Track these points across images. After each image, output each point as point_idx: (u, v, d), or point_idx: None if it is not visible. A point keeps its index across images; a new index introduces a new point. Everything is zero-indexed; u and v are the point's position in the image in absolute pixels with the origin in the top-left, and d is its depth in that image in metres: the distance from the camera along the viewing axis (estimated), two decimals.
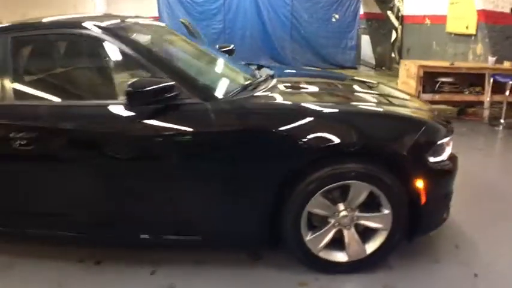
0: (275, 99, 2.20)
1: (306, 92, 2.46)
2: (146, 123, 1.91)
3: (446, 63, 5.32)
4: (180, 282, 2.07)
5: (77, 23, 2.19)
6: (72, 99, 2.21)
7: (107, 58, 2.13)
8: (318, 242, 2.10)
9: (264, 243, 2.12)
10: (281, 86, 2.35)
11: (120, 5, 8.93)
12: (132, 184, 2.00)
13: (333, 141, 1.93)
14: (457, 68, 5.07)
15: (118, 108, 1.95)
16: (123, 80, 2.02)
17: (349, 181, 1.99)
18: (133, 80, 1.82)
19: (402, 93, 2.80)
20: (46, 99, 2.17)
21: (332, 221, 2.09)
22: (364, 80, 3.07)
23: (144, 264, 2.20)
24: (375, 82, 2.88)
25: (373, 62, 10.49)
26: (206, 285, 2.07)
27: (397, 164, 2.01)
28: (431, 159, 2.08)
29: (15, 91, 2.09)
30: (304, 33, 9.42)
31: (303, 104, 2.14)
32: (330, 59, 9.81)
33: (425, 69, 5.00)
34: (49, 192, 2.08)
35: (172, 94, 1.84)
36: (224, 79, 2.36)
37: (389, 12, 9.47)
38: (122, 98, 1.90)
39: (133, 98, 1.80)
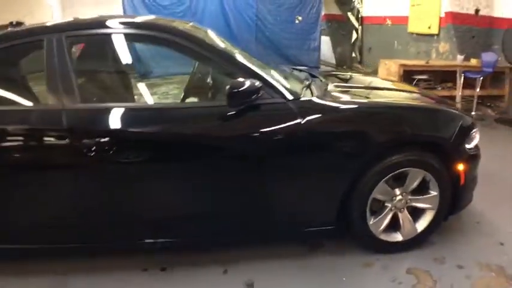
0: (344, 99, 2.48)
1: (354, 91, 2.78)
2: (246, 122, 2.09)
3: (422, 62, 5.96)
4: (255, 278, 2.23)
5: (151, 25, 2.29)
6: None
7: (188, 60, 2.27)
8: (379, 225, 2.43)
9: (333, 231, 2.39)
10: (331, 86, 2.65)
11: (78, 9, 8.73)
12: (232, 182, 2.17)
13: (397, 134, 2.27)
14: (431, 66, 5.70)
15: (217, 109, 2.10)
16: (208, 82, 2.19)
17: (408, 168, 2.34)
18: (232, 81, 1.98)
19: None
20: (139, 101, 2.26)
21: (389, 205, 2.42)
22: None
23: (213, 265, 2.33)
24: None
25: (334, 61, 11.16)
26: (281, 279, 2.26)
27: (443, 151, 2.39)
28: (467, 146, 2.50)
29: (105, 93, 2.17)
30: (269, 35, 9.79)
31: (370, 102, 2.46)
32: (294, 60, 10.26)
33: (405, 68, 5.57)
34: (147, 197, 2.13)
35: (261, 94, 2.03)
36: (290, 80, 2.57)
37: (349, 14, 10.17)
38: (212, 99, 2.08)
39: (233, 98, 1.97)
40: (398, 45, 8.68)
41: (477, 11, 6.09)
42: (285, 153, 2.14)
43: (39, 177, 2.01)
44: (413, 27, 8.04)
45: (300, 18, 9.93)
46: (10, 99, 2.16)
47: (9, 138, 1.99)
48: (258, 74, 2.12)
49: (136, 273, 2.26)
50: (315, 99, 2.25)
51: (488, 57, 5.74)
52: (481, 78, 5.42)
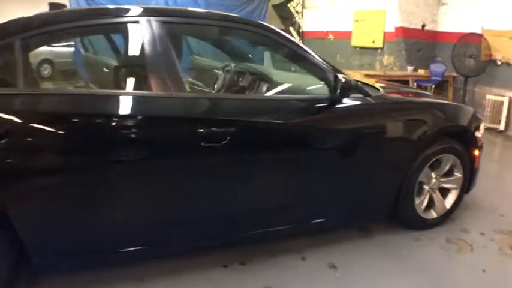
0: (398, 96, 2.99)
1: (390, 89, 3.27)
2: (347, 113, 2.48)
3: (380, 72, 6.85)
4: (334, 260, 2.57)
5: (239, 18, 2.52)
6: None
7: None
8: (421, 205, 2.97)
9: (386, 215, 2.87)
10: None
11: (8, 6, 8.32)
12: (327, 169, 2.51)
13: (440, 126, 2.85)
14: (389, 75, 6.61)
15: (325, 101, 2.42)
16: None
17: (444, 154, 2.93)
18: (345, 76, 2.33)
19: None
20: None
21: (427, 187, 2.98)
22: None
23: (290, 253, 2.61)
24: None
25: None
26: (357, 258, 2.64)
27: (465, 139, 3.04)
28: (478, 135, 3.19)
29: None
30: None
31: (419, 100, 3.00)
32: None
33: (368, 77, 6.37)
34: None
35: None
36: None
37: (291, 28, 11.02)
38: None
39: (345, 90, 2.31)
40: (341, 58, 9.68)
41: (423, 26, 7.20)
42: (371, 140, 2.57)
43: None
44: (357, 41, 9.07)
45: None
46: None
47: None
48: (341, 72, 2.50)
49: (218, 270, 2.40)
50: (385, 94, 2.73)
51: (437, 67, 6.84)
52: (432, 86, 6.43)
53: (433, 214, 3.03)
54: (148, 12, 2.11)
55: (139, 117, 1.96)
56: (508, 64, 6.32)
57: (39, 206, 1.85)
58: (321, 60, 2.45)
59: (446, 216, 3.11)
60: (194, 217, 2.19)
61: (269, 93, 2.74)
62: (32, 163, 1.78)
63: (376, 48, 8.39)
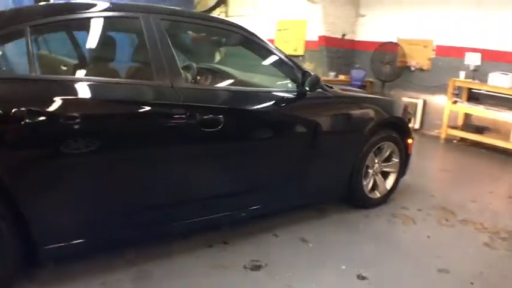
0: (348, 92, 3.44)
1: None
2: (314, 105, 2.89)
3: None
4: (304, 235, 2.95)
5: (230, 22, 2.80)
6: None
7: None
8: (367, 186, 3.49)
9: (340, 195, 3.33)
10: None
11: None
12: (303, 151, 2.88)
13: (383, 117, 3.39)
14: None
15: (297, 94, 2.79)
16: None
17: (385, 142, 3.48)
18: (312, 73, 2.75)
19: None
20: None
21: (371, 171, 3.51)
22: None
23: (264, 232, 2.94)
24: None
25: None
26: (323, 232, 3.02)
27: (401, 129, 3.63)
28: (410, 125, 3.82)
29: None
30: None
31: (361, 95, 3.50)
32: None
33: None
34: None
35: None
36: None
37: None
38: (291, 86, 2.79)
39: (314, 86, 2.73)
40: None
41: (343, 35, 8.02)
42: (332, 127, 3.01)
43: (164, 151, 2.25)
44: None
45: None
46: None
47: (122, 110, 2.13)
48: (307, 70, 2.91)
49: (204, 250, 2.61)
50: (338, 90, 3.19)
51: (357, 73, 7.67)
52: None
53: (377, 194, 3.56)
54: (148, 9, 2.35)
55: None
56: (421, 70, 7.35)
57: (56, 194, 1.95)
58: (290, 59, 2.83)
59: (387, 196, 3.66)
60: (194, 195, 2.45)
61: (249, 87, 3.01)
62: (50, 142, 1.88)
63: (298, 56, 9.07)
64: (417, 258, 2.78)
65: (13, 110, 1.73)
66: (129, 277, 2.24)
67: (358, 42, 8.19)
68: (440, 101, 7.04)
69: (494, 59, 6.28)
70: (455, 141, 6.65)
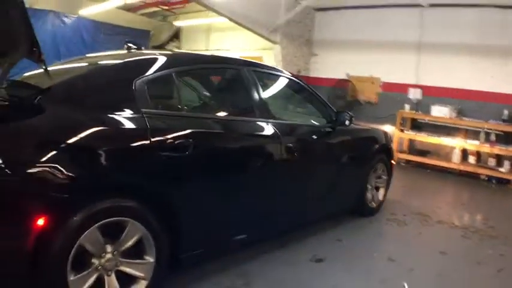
0: (358, 126, 4.39)
1: None
2: (340, 136, 3.82)
3: None
4: (340, 237, 3.83)
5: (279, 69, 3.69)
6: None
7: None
8: (368, 199, 4.55)
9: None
10: None
11: None
12: (332, 175, 3.79)
13: (380, 143, 4.48)
14: None
15: (328, 128, 3.72)
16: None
17: (379, 163, 4.60)
18: (341, 111, 3.73)
19: None
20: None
21: (370, 187, 4.59)
22: None
23: (311, 236, 3.87)
24: None
25: None
26: (351, 234, 3.93)
27: (388, 153, 4.78)
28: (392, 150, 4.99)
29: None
30: None
31: (365, 127, 4.57)
32: None
33: None
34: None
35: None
36: None
37: None
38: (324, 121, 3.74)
39: (347, 121, 3.70)
40: None
41: (298, 72, 9.27)
42: (352, 153, 4.01)
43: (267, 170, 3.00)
44: None
45: None
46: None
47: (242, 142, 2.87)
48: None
49: (280, 251, 3.35)
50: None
51: None
52: None
53: (374, 205, 4.62)
54: (245, 63, 3.20)
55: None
56: (369, 103, 8.77)
57: (207, 202, 2.59)
58: (326, 101, 3.84)
59: (380, 206, 4.74)
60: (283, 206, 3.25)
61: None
62: (202, 167, 2.57)
63: None
64: (420, 246, 3.86)
65: (176, 142, 2.35)
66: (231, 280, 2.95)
67: (312, 78, 9.50)
68: (387, 130, 8.47)
69: (433, 94, 7.86)
70: (403, 163, 8.04)
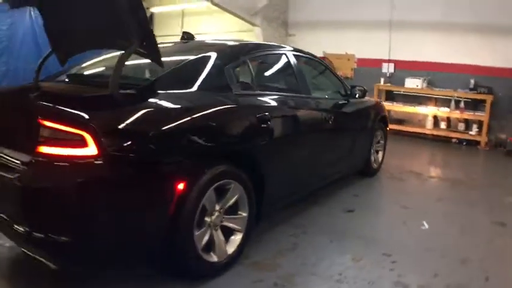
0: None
1: None
2: (353, 107, 4.49)
3: None
4: (356, 192, 4.55)
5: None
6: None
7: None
8: (373, 160, 5.35)
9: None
10: None
11: None
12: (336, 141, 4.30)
13: (380, 112, 5.27)
14: None
15: (344, 100, 4.39)
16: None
17: (379, 130, 5.39)
18: (354, 85, 4.42)
19: None
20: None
21: (372, 150, 5.38)
22: None
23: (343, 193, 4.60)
24: None
25: None
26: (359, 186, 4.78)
27: (384, 121, 5.58)
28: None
29: None
30: None
31: (370, 98, 5.28)
32: None
33: None
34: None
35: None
36: None
37: None
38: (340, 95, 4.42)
39: (354, 95, 4.41)
40: None
41: None
42: (363, 120, 4.74)
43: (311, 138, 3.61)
44: None
45: None
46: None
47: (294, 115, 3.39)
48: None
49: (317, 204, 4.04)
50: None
51: None
52: None
53: (375, 165, 5.41)
54: (288, 48, 3.83)
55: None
56: (346, 78, 9.58)
57: (284, 162, 3.21)
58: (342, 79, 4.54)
59: (380, 167, 5.54)
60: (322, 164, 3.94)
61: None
62: (277, 136, 3.12)
63: None
64: (422, 195, 4.69)
65: (261, 116, 2.93)
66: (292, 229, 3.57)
67: None
68: None
69: (404, 67, 8.76)
70: None
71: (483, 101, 7.68)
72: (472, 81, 7.89)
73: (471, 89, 7.86)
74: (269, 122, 2.97)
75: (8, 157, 2.22)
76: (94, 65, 3.35)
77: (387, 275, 2.79)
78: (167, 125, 2.28)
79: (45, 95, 2.42)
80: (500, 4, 7.57)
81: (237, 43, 3.44)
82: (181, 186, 2.27)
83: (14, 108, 2.54)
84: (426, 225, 3.73)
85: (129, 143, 2.07)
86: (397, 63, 8.90)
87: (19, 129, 2.36)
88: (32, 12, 9.42)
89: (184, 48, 3.47)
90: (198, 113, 2.52)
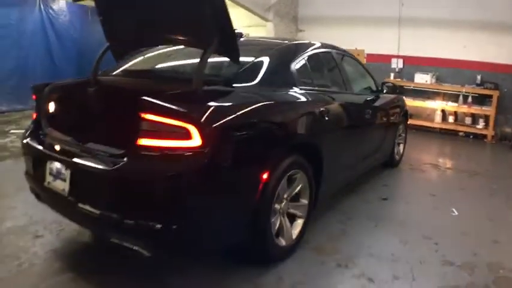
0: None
1: None
2: (382, 102, 4.81)
3: None
4: (386, 182, 4.94)
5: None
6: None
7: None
8: (396, 152, 5.73)
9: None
10: None
11: None
12: (372, 134, 4.64)
13: (405, 107, 5.65)
14: None
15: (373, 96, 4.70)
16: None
17: (402, 123, 5.77)
18: (384, 81, 4.77)
19: None
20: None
21: (396, 142, 5.76)
22: None
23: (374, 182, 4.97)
24: None
25: None
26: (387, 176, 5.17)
27: (406, 115, 5.97)
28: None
29: None
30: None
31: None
32: None
33: None
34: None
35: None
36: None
37: None
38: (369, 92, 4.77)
39: (393, 90, 4.79)
40: None
41: None
42: (390, 114, 5.06)
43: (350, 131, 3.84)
44: None
45: None
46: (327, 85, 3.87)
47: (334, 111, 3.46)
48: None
49: (355, 192, 4.46)
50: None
51: None
52: None
53: (397, 157, 5.79)
54: (332, 47, 4.12)
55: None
56: None
57: (336, 153, 3.52)
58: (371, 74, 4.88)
59: (401, 159, 5.92)
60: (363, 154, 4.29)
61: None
62: (333, 128, 3.45)
63: None
64: (445, 183, 5.13)
65: (321, 110, 3.24)
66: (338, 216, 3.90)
67: None
68: None
69: (413, 63, 9.15)
70: None
71: (489, 96, 8.08)
72: (479, 77, 8.30)
73: (478, 85, 8.27)
74: (328, 116, 3.28)
75: (98, 151, 2.31)
76: (148, 61, 3.54)
77: (433, 255, 3.15)
78: (257, 118, 2.52)
79: (136, 91, 2.35)
80: (507, 1, 7.97)
81: (295, 42, 3.70)
82: (265, 175, 2.49)
83: (95, 104, 2.77)
84: (456, 212, 4.10)
85: (228, 135, 2.24)
86: (406, 59, 9.27)
87: (107, 124, 2.54)
88: (42, 6, 9.54)
89: (246, 47, 3.71)
90: (280, 107, 2.81)
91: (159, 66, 3.48)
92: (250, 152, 2.44)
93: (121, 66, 3.38)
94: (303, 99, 3.12)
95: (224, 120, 2.22)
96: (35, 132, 2.84)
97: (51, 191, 2.51)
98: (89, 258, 2.84)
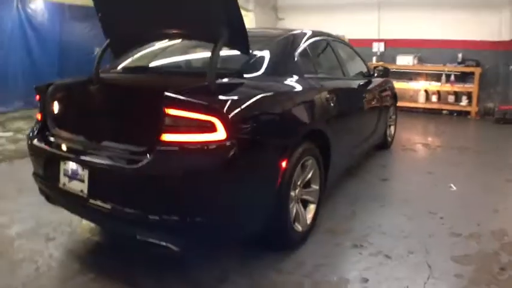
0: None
1: None
2: (375, 85, 4.89)
3: None
4: (383, 163, 5.14)
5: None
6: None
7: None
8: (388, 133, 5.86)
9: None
10: None
11: None
12: (368, 118, 4.73)
13: (394, 89, 5.77)
14: None
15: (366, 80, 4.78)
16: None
17: (392, 106, 5.91)
18: (378, 66, 4.86)
19: None
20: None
21: (388, 123, 5.90)
22: None
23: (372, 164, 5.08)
24: None
25: None
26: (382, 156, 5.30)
27: (395, 97, 6.10)
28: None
29: None
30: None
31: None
32: None
33: None
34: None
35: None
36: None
37: None
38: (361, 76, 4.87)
39: (386, 74, 4.88)
40: None
41: None
42: (383, 96, 5.15)
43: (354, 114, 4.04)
44: None
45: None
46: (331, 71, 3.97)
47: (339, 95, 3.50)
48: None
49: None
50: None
51: None
52: None
53: (389, 139, 5.91)
54: (328, 35, 4.18)
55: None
56: None
57: (341, 138, 3.57)
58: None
59: (393, 140, 6.05)
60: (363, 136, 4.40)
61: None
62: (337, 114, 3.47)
63: None
64: (439, 161, 5.27)
65: (328, 96, 3.30)
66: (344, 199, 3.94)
67: None
68: None
69: (394, 45, 9.31)
70: None
71: (471, 74, 8.31)
72: (460, 55, 8.51)
73: (459, 63, 8.48)
74: (333, 102, 3.35)
75: (116, 149, 2.32)
76: (151, 56, 3.54)
77: (441, 228, 3.26)
78: (276, 108, 2.58)
79: (153, 87, 2.40)
80: None
81: (297, 31, 3.73)
82: (284, 163, 2.53)
83: (107, 102, 2.77)
84: (454, 187, 4.24)
85: (250, 126, 2.27)
86: (387, 42, 9.42)
87: (123, 122, 2.54)
88: (19, 5, 9.33)
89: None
90: (294, 96, 2.88)
91: (160, 62, 3.46)
92: (271, 141, 2.49)
93: (119, 64, 3.36)
94: (311, 86, 3.18)
95: (246, 112, 2.26)
96: (42, 132, 2.81)
97: (67, 192, 2.47)
98: (106, 258, 2.83)
